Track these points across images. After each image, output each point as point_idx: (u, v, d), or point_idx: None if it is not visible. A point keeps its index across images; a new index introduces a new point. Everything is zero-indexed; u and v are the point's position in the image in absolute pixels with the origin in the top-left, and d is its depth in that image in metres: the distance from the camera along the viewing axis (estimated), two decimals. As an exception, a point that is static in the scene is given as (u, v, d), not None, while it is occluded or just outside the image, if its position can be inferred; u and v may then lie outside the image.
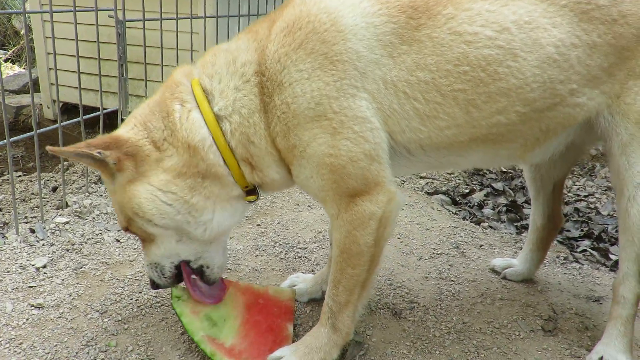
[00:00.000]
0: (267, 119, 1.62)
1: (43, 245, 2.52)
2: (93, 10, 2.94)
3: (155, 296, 2.17)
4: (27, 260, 2.39)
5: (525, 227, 3.19)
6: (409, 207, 3.20)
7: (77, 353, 1.83)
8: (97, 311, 2.06)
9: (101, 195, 3.08)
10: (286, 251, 2.59)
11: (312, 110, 1.56)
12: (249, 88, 1.62)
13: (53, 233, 2.63)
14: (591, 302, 2.32)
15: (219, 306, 1.89)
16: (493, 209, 3.47)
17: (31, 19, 5.31)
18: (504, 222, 3.28)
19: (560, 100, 1.68)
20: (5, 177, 4.09)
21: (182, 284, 1.90)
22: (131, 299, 2.14)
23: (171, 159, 1.63)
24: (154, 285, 1.86)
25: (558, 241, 3.05)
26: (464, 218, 3.26)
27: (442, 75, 1.59)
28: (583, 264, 2.70)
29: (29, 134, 2.70)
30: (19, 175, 3.84)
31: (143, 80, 3.64)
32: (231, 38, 1.77)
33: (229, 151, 1.65)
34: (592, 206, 3.67)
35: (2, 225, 2.86)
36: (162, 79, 3.58)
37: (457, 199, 3.58)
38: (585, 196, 3.84)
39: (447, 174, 3.99)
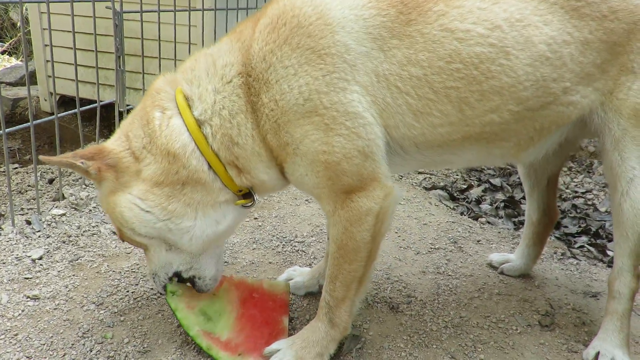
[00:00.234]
0: (255, 118, 1.60)
1: (39, 236, 2.51)
2: (90, 1, 2.92)
3: (152, 288, 2.16)
4: (23, 251, 2.37)
5: (523, 223, 3.19)
6: (407, 201, 3.20)
7: (72, 344, 1.82)
8: (93, 303, 2.05)
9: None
10: (283, 245, 2.59)
11: (302, 106, 1.54)
12: (230, 89, 1.60)
13: (49, 225, 2.62)
14: (588, 297, 2.32)
15: (214, 301, 1.88)
16: (491, 204, 3.46)
17: (28, 10, 5.28)
18: (502, 217, 3.28)
19: (553, 99, 1.67)
20: (1, 169, 4.07)
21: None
22: (127, 291, 2.13)
23: (149, 168, 1.62)
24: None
25: (555, 237, 3.05)
26: (461, 213, 3.26)
27: (434, 72, 1.58)
28: (580, 260, 2.70)
29: (25, 125, 2.68)
30: (15, 167, 3.82)
31: (140, 73, 3.62)
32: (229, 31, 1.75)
33: (214, 155, 1.62)
34: (589, 203, 3.67)
35: (-2, 216, 2.85)
36: (160, 71, 3.56)
37: (455, 195, 3.58)
38: (583, 193, 3.84)
39: (445, 169, 3.99)
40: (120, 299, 2.09)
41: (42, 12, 5.05)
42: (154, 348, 1.83)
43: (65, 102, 5.47)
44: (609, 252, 2.89)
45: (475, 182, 3.85)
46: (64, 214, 2.73)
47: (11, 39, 8.06)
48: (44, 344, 1.82)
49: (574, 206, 3.59)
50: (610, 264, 2.71)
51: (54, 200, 2.96)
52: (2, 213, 2.97)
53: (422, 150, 1.69)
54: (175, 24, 3.57)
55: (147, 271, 1.85)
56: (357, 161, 1.58)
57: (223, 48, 1.66)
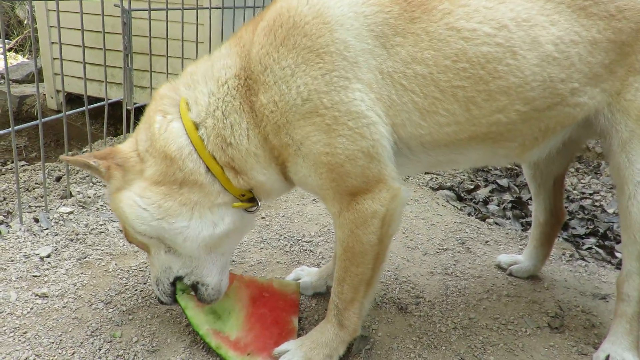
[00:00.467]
0: (254, 119, 1.60)
1: (47, 234, 2.51)
2: (99, -1, 2.92)
3: (160, 287, 2.16)
4: (31, 249, 2.38)
5: (531, 224, 3.17)
6: (414, 201, 3.19)
7: (82, 343, 1.82)
8: (102, 301, 2.05)
9: (105, 186, 3.06)
10: (291, 244, 2.58)
11: (301, 107, 1.53)
12: (225, 91, 1.62)
13: (57, 223, 2.62)
14: (597, 299, 2.31)
15: (224, 299, 1.88)
16: (498, 205, 3.45)
17: (35, 8, 5.28)
18: (509, 218, 3.27)
19: (561, 100, 1.66)
20: (9, 167, 4.07)
21: None
22: (136, 290, 2.13)
23: (150, 169, 1.67)
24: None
25: (563, 238, 3.04)
26: (469, 214, 3.25)
27: (440, 71, 1.56)
28: (589, 262, 2.68)
29: (33, 122, 2.68)
30: (22, 165, 3.82)
31: (148, 71, 3.62)
32: (235, 31, 1.77)
33: (211, 158, 1.64)
34: (597, 204, 3.65)
35: (5, 214, 2.85)
36: (167, 70, 3.57)
37: (462, 195, 3.57)
38: (590, 194, 3.82)
39: (452, 170, 3.97)
40: (129, 297, 2.08)
41: (49, 10, 5.06)
42: (163, 347, 1.83)
43: (72, 99, 5.48)
44: (617, 254, 2.87)
45: (482, 182, 3.84)
46: (71, 212, 2.73)
47: (17, 36, 8.08)
48: (52, 342, 1.82)
49: (582, 207, 3.57)
50: (618, 265, 2.69)
51: (61, 198, 2.96)
52: (10, 211, 2.97)
53: (428, 150, 1.67)
54: (183, 22, 3.57)
55: (151, 280, 1.85)
56: (361, 162, 1.57)
57: (222, 52, 1.69)
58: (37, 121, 2.61)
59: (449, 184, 3.68)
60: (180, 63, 3.64)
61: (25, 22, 8.22)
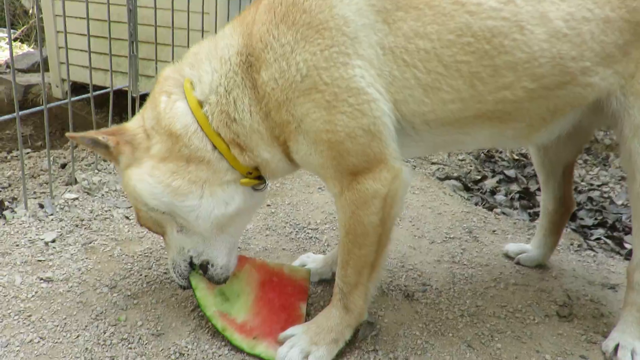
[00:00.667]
0: (256, 95, 1.59)
1: (52, 220, 2.50)
2: (105, -15, 2.90)
3: (165, 273, 2.15)
4: (36, 234, 2.37)
5: (538, 214, 3.13)
6: (421, 191, 3.16)
7: (86, 326, 1.81)
8: (107, 286, 2.04)
9: (110, 173, 3.06)
10: (297, 231, 2.56)
11: (300, 83, 1.52)
12: (228, 67, 1.62)
13: (62, 209, 2.61)
14: (606, 289, 2.28)
15: (233, 281, 1.86)
16: (506, 195, 3.42)
17: (41, -3, 5.26)
18: (517, 208, 3.24)
19: (571, 79, 1.61)
20: (15, 154, 4.07)
21: None
22: (141, 275, 2.12)
23: (156, 146, 1.67)
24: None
25: (572, 229, 3.01)
26: (476, 204, 3.22)
27: (444, 45, 1.53)
28: (597, 252, 2.65)
29: (38, 108, 2.67)
30: (28, 152, 3.82)
31: (153, 60, 3.60)
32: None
33: (216, 135, 1.64)
34: (605, 195, 3.62)
35: (10, 200, 2.85)
36: (173, 59, 3.54)
37: (469, 185, 3.54)
38: (598, 185, 3.79)
39: (459, 160, 3.95)
40: (134, 282, 2.07)
41: (54, -1, 5.04)
42: (168, 331, 1.82)
43: (76, 89, 5.45)
44: (626, 245, 2.84)
45: (490, 173, 3.81)
46: (76, 198, 2.72)
47: (23, 26, 8.07)
48: (57, 325, 1.81)
49: (590, 199, 3.54)
50: (628, 256, 2.66)
51: (66, 185, 2.95)
52: (16, 197, 2.97)
53: (432, 128, 1.64)
54: (189, 11, 3.54)
55: (168, 264, 1.85)
56: (362, 140, 1.54)
57: (226, 32, 1.68)
58: (42, 107, 2.59)
59: (455, 175, 3.66)
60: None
61: (30, 12, 8.21)
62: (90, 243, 2.34)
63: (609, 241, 2.89)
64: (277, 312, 1.82)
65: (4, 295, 1.94)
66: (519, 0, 1.54)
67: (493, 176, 3.75)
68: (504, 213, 3.11)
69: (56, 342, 1.73)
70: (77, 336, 1.76)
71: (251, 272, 1.91)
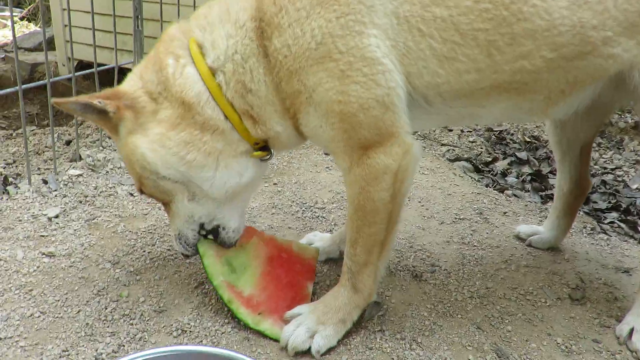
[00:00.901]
0: (268, 64, 1.51)
1: (55, 196, 2.47)
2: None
3: (169, 249, 2.11)
4: (39, 209, 2.34)
5: (550, 197, 3.08)
6: (431, 171, 3.10)
7: (87, 301, 1.78)
8: (109, 262, 2.00)
9: (115, 150, 3.02)
10: (303, 210, 2.52)
11: (314, 51, 1.45)
12: (243, 33, 1.52)
13: (66, 185, 2.57)
14: (620, 272, 2.22)
15: (240, 253, 1.81)
16: (517, 177, 3.35)
17: (47, -27, 5.20)
18: (528, 191, 3.17)
19: (592, 49, 1.53)
20: (20, 132, 4.04)
21: None
22: (144, 251, 2.08)
23: (165, 111, 1.57)
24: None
25: (584, 212, 2.94)
26: (486, 185, 3.15)
27: (461, 13, 1.46)
28: (611, 236, 2.59)
29: (40, 82, 2.62)
30: (33, 130, 3.79)
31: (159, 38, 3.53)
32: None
33: (229, 105, 1.56)
34: (619, 179, 3.53)
35: (15, 176, 2.82)
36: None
37: (480, 167, 3.47)
38: (612, 169, 3.70)
39: (469, 141, 3.87)
40: (137, 258, 2.04)
41: (60, -24, 4.98)
42: (170, 308, 1.78)
43: (83, 67, 5.42)
44: (641, 229, 2.77)
45: (501, 155, 3.73)
46: (80, 175, 2.68)
47: (29, 4, 8.02)
48: (58, 300, 1.78)
49: (603, 182, 3.45)
50: (642, 240, 2.60)
51: (71, 161, 2.92)
52: (20, 173, 2.94)
53: (447, 101, 1.57)
54: (195, -14, 3.47)
55: (171, 233, 1.78)
56: (375, 112, 1.48)
57: None
58: (46, 81, 2.55)
59: (466, 156, 3.58)
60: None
61: (37, -9, 8.15)
62: (94, 219, 2.30)
63: (622, 225, 2.81)
64: (284, 289, 1.78)
65: (6, 270, 1.91)
66: None
67: (504, 158, 3.67)
68: (515, 195, 3.04)
69: (57, 317, 1.70)
70: (78, 311, 1.73)
71: (259, 245, 1.86)
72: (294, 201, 2.60)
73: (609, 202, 3.13)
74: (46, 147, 3.31)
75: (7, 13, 7.56)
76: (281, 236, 2.28)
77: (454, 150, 3.66)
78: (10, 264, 1.95)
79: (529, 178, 3.33)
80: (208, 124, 1.56)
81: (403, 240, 2.31)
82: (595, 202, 3.12)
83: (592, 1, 1.48)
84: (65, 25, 5.08)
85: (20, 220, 2.25)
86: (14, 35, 2.47)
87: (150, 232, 2.22)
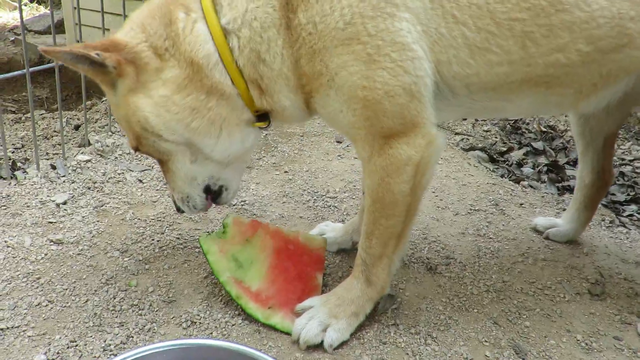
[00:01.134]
0: (289, 37, 1.43)
1: (64, 182, 2.43)
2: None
3: (178, 238, 2.07)
4: (47, 196, 2.30)
5: (567, 189, 3.01)
6: (445, 161, 3.03)
7: (95, 290, 1.75)
8: (118, 250, 1.97)
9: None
10: (314, 199, 2.47)
11: (342, 31, 1.37)
12: (266, 0, 1.43)
13: (74, 170, 2.54)
14: (641, 267, 2.16)
15: (246, 247, 1.77)
16: (533, 168, 3.27)
17: (56, -45, 5.14)
18: (545, 182, 3.09)
19: (628, 41, 1.46)
20: (29, 115, 4.02)
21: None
22: (153, 240, 2.05)
23: (171, 70, 1.46)
24: (180, 210, 1.74)
25: (602, 204, 2.86)
26: (502, 176, 3.08)
27: (498, 1, 1.38)
28: (630, 229, 2.52)
29: (48, 65, 2.58)
30: (42, 114, 3.75)
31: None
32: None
33: (237, 71, 1.47)
34: (638, 171, 3.45)
35: (23, 161, 2.78)
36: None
37: (495, 157, 3.39)
38: (630, 160, 3.61)
39: (484, 130, 3.79)
40: (145, 247, 2.00)
41: (70, -43, 4.91)
42: (179, 298, 1.74)
43: (93, 51, 5.37)
44: (661, 222, 2.69)
45: (516, 144, 3.65)
46: (89, 160, 2.65)
47: (39, -13, 7.95)
48: (66, 289, 1.75)
49: (622, 174, 3.37)
50: (663, 234, 2.53)
51: (79, 147, 2.88)
52: (28, 158, 2.91)
53: (473, 93, 1.51)
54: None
55: (173, 195, 1.71)
56: (401, 100, 1.41)
57: None
58: (54, 64, 2.50)
59: (480, 145, 3.51)
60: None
61: (47, -26, 8.07)
62: (102, 206, 2.27)
63: (642, 218, 2.74)
64: (293, 282, 1.74)
65: (13, 257, 1.88)
66: None
67: (519, 148, 3.59)
68: (531, 186, 2.97)
69: (65, 306, 1.67)
70: (86, 301, 1.70)
71: (265, 238, 1.81)
72: (305, 190, 2.55)
73: (628, 195, 3.06)
74: (55, 131, 3.28)
75: (17, -4, 7.52)
76: (292, 225, 2.23)
77: (468, 139, 3.59)
78: (18, 250, 1.92)
79: (545, 169, 3.26)
80: (215, 89, 1.48)
81: (417, 231, 2.26)
82: (613, 194, 3.05)
83: None
84: (75, 8, 5.02)
85: (28, 206, 2.21)
86: (21, 18, 2.42)
87: (159, 220, 2.18)
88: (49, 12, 7.09)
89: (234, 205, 2.36)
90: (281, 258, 1.78)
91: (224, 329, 1.62)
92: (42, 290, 1.74)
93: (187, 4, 1.47)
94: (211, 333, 1.61)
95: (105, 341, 1.54)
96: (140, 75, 1.46)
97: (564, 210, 2.47)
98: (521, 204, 2.62)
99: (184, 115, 1.48)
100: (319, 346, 1.57)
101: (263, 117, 1.59)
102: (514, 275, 2.01)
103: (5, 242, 1.96)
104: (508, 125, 3.95)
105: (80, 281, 1.79)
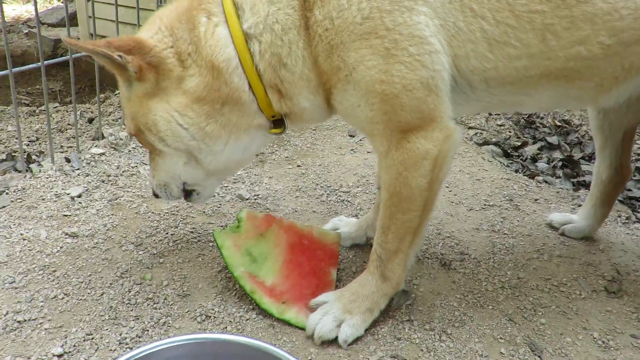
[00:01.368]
0: (307, 37, 1.42)
1: (78, 175, 2.45)
2: None
3: (192, 232, 2.08)
4: (62, 189, 2.32)
5: (582, 184, 2.98)
6: (459, 155, 3.01)
7: (111, 284, 1.76)
8: (132, 243, 1.98)
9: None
10: (328, 194, 2.46)
11: (360, 26, 1.36)
12: (286, 1, 1.42)
13: (88, 164, 2.55)
14: (658, 265, 2.13)
15: (260, 242, 1.77)
16: (548, 163, 3.24)
17: (69, -53, 5.15)
18: (560, 177, 3.06)
19: None
20: (43, 108, 4.04)
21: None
22: (167, 233, 2.05)
23: (192, 80, 1.47)
24: (156, 195, 1.76)
25: (618, 200, 2.83)
26: (516, 171, 3.05)
27: None
28: (647, 225, 2.49)
29: (63, 58, 2.59)
30: (56, 107, 3.78)
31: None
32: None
33: (256, 76, 1.47)
34: (655, 166, 3.40)
35: (37, 154, 2.80)
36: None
37: (509, 151, 3.36)
38: (647, 155, 3.56)
39: (498, 125, 3.75)
40: (160, 240, 2.01)
41: (83, -50, 4.92)
42: (194, 292, 1.75)
43: (106, 44, 5.39)
44: (678, 219, 2.66)
45: (530, 139, 3.61)
46: (103, 154, 2.66)
47: (53, -20, 7.98)
48: (82, 282, 1.76)
49: (638, 169, 3.33)
50: (681, 231, 2.49)
51: (93, 140, 2.90)
52: (43, 151, 2.93)
53: (491, 87, 1.49)
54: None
55: (153, 180, 1.73)
56: (418, 95, 1.40)
57: None
58: (68, 57, 2.51)
59: (494, 140, 3.48)
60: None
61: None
62: (117, 199, 2.28)
63: (659, 214, 2.70)
64: (307, 277, 1.73)
65: (29, 249, 1.90)
66: None
67: (534, 143, 3.55)
68: (545, 181, 2.94)
69: (80, 299, 1.69)
70: (102, 294, 1.71)
71: (279, 233, 1.81)
72: (318, 184, 2.54)
73: (644, 190, 3.02)
74: (69, 124, 3.30)
75: (30, -12, 7.56)
76: (305, 220, 2.23)
77: (481, 133, 3.55)
78: (34, 243, 1.93)
79: (560, 164, 3.22)
80: (232, 96, 1.49)
81: (431, 226, 2.24)
82: (629, 190, 3.01)
83: None
84: (88, 1, 5.04)
85: (43, 199, 2.23)
86: (36, 11, 2.43)
87: (173, 214, 2.19)
88: (62, 4, 7.12)
89: (247, 199, 2.36)
90: (295, 253, 1.78)
91: (238, 324, 1.63)
92: (58, 283, 1.75)
93: (209, 8, 1.47)
94: (225, 327, 1.61)
95: (121, 334, 1.55)
96: (161, 81, 1.47)
97: (579, 206, 2.44)
98: (536, 200, 2.59)
99: (200, 120, 1.50)
100: (333, 342, 1.57)
101: (278, 122, 1.60)
102: (529, 272, 1.99)
103: (22, 234, 1.98)
104: (522, 120, 3.91)
105: (95, 274, 1.80)
